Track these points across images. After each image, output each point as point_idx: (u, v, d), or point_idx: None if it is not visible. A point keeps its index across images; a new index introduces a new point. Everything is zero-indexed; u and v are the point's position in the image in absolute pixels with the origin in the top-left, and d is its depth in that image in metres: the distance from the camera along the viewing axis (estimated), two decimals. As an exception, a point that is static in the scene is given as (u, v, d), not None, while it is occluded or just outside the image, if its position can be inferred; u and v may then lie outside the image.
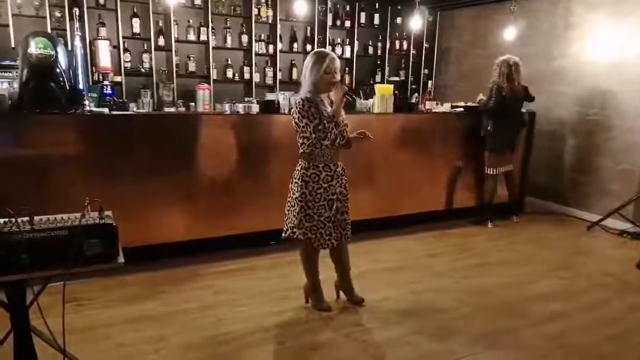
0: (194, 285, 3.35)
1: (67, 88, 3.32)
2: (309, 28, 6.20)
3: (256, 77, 5.96)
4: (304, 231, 2.84)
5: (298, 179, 2.82)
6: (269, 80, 6.06)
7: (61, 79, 3.27)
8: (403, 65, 6.94)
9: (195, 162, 3.74)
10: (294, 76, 6.24)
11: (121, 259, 1.84)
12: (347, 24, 6.39)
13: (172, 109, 5.24)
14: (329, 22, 6.23)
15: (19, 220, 1.71)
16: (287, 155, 3.95)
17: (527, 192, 5.43)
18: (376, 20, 6.57)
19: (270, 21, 5.96)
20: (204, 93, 5.46)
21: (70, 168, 3.32)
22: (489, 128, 4.69)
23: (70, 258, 1.72)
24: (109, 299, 3.10)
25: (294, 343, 2.68)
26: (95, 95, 3.71)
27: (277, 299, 3.18)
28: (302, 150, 2.81)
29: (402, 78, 6.85)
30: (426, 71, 6.94)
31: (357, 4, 6.36)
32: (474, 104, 4.97)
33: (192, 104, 5.47)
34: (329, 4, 6.19)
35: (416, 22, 5.52)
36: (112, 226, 1.80)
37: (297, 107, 2.73)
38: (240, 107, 3.94)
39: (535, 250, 4.29)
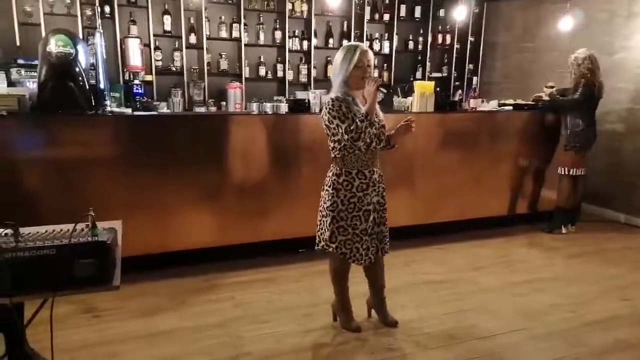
0: (214, 297, 3.14)
1: (87, 87, 3.18)
2: (345, 23, 5.91)
3: (289, 75, 5.72)
4: (338, 245, 2.55)
5: (329, 186, 2.54)
6: (303, 78, 5.82)
7: (81, 78, 3.14)
8: (446, 61, 6.52)
9: (220, 165, 3.54)
10: (329, 73, 5.96)
11: (117, 281, 1.62)
12: (386, 17, 6.05)
13: (203, 109, 5.11)
14: (367, 16, 5.91)
15: (2, 234, 1.52)
16: (317, 158, 3.70)
17: (583, 199, 4.93)
18: (417, 13, 6.19)
19: (305, 16, 5.71)
20: (234, 92, 5.30)
21: (90, 171, 3.18)
22: (569, 123, 4.31)
23: (58, 280, 1.51)
24: (127, 310, 2.93)
25: (319, 369, 2.42)
26: (117, 94, 3.57)
27: (302, 315, 2.92)
28: (333, 155, 2.53)
29: (445, 74, 6.44)
30: (471, 67, 6.49)
31: (397, -5, 6.02)
32: (534, 101, 4.57)
33: (224, 103, 5.33)
34: (368, -3, 5.88)
35: (461, 14, 5.12)
36: (106, 244, 1.58)
37: (326, 108, 2.44)
38: (268, 107, 3.71)
39: (594, 264, 3.84)
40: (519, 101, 4.65)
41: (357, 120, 2.39)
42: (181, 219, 3.45)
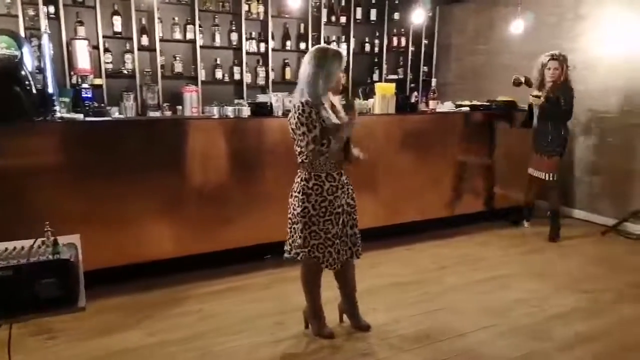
0: (179, 311, 3.00)
1: (35, 92, 2.97)
2: (302, 25, 5.86)
3: (247, 78, 5.61)
4: (310, 249, 2.50)
5: (298, 192, 2.48)
6: (261, 81, 5.72)
7: (27, 82, 2.93)
8: (401, 63, 6.62)
9: (180, 172, 3.40)
10: (287, 76, 5.90)
11: (82, 302, 1.50)
12: (343, 20, 6.05)
13: (158, 113, 4.92)
14: (324, 19, 5.89)
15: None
16: (282, 162, 3.63)
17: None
18: (373, 16, 6.24)
19: (261, 18, 5.61)
20: (191, 95, 5.13)
21: (39, 182, 2.96)
22: (563, 130, 4.25)
23: (18, 304, 1.38)
24: (86, 329, 2.74)
25: (294, 380, 2.35)
26: (67, 99, 3.36)
27: (273, 324, 2.84)
28: (300, 160, 2.48)
29: (401, 76, 6.53)
30: (425, 69, 6.62)
31: (352, -2, 6.05)
32: (482, 103, 4.68)
33: (179, 107, 5.15)
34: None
35: (416, 17, 5.20)
36: (69, 262, 1.46)
37: (296, 112, 2.37)
38: (229, 111, 3.60)
39: (551, 258, 3.99)
40: (475, 102, 4.76)
41: (328, 140, 2.36)
42: (140, 229, 3.29)
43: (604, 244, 4.36)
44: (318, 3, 5.83)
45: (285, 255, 2.65)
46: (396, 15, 6.35)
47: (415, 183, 4.34)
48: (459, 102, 4.77)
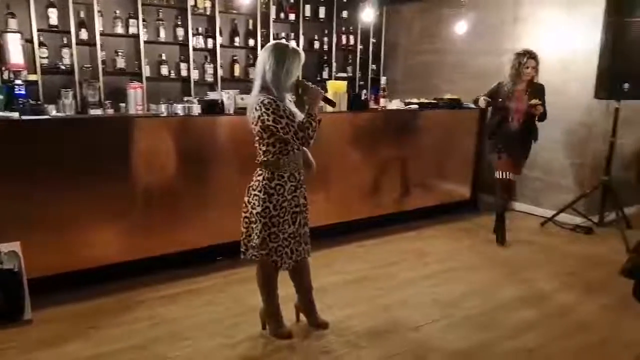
0: (129, 318, 2.88)
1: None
2: (251, 21, 5.78)
3: (195, 74, 5.46)
4: (269, 252, 2.48)
5: (259, 191, 2.44)
6: (209, 78, 5.58)
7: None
8: (350, 61, 6.68)
9: (128, 172, 3.27)
10: (237, 73, 5.81)
11: (28, 314, 1.40)
12: (292, 17, 6.02)
13: (99, 111, 4.67)
14: (273, 15, 5.83)
15: None
16: (234, 161, 3.59)
17: (480, 190, 5.34)
18: (322, 14, 6.24)
19: (208, 13, 5.48)
20: (135, 92, 4.89)
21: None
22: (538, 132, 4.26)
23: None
24: (30, 341, 2.54)
25: (252, 382, 2.32)
26: (1, 97, 3.13)
27: (228, 327, 2.79)
28: (265, 159, 2.43)
29: (350, 74, 6.59)
30: (374, 67, 6.72)
31: (301, -4, 6.03)
32: (430, 101, 4.80)
33: (123, 104, 4.93)
34: (272, -4, 5.80)
35: (364, 16, 5.27)
36: (14, 273, 1.36)
37: (268, 109, 2.31)
38: (179, 108, 3.49)
39: (495, 250, 4.17)
40: (423, 100, 4.89)
41: (310, 120, 2.36)
42: (86, 233, 3.13)
43: (543, 234, 4.62)
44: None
45: (242, 255, 2.60)
46: (344, 14, 6.40)
47: (367, 180, 4.41)
48: (407, 100, 4.87)
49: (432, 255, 4.03)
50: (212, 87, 5.50)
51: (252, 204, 2.48)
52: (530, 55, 4.10)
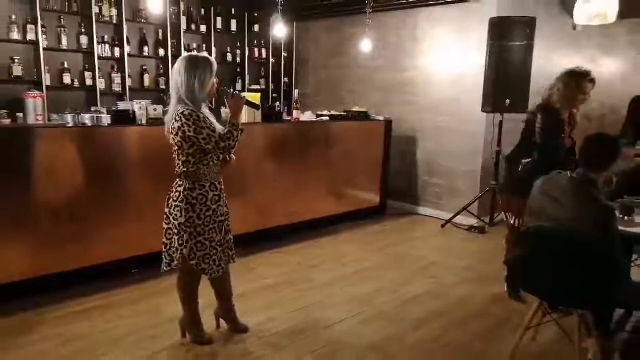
0: (36, 337, 2.73)
1: None
2: (160, 31, 5.70)
3: (101, 84, 5.26)
4: (197, 262, 2.49)
5: (181, 202, 2.45)
6: (117, 88, 5.40)
7: None
8: (263, 74, 6.81)
9: (31, 186, 3.10)
10: (146, 83, 5.68)
11: None
12: (203, 28, 6.03)
13: (-6, 121, 4.34)
14: (184, 26, 5.80)
15: None
16: (147, 173, 3.55)
17: (389, 196, 5.70)
18: (233, 27, 6.32)
19: (114, 21, 5.32)
20: (35, 101, 4.61)
21: None
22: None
23: None
24: None
25: (175, 390, 2.33)
26: None
27: (146, 338, 2.75)
28: (185, 169, 2.45)
29: (263, 87, 6.72)
30: (286, 80, 6.91)
31: (212, 8, 6.05)
32: (340, 113, 5.06)
33: (20, 114, 4.62)
34: (182, 7, 5.77)
35: (277, 31, 5.43)
36: None
37: (189, 121, 2.34)
38: (87, 119, 3.37)
39: (404, 251, 4.48)
40: (334, 112, 5.15)
41: (232, 129, 2.42)
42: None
43: (444, 235, 5.04)
44: (177, 10, 5.73)
45: (164, 267, 2.59)
46: (256, 28, 6.54)
47: (283, 189, 4.54)
48: (319, 112, 5.10)
49: (347, 257, 4.24)
50: (120, 97, 5.34)
51: (173, 215, 2.49)
52: (590, 77, 3.28)
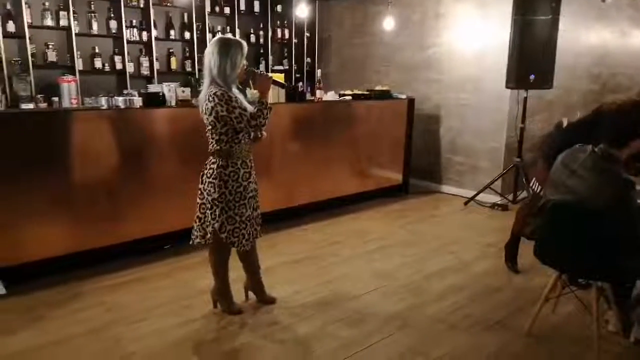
0: (79, 306, 2.94)
1: None
2: (185, 14, 5.81)
3: (130, 67, 5.43)
4: (227, 235, 2.64)
5: (214, 179, 2.59)
6: (145, 71, 5.57)
7: None
8: (286, 55, 6.87)
9: (70, 165, 3.28)
10: (173, 66, 5.83)
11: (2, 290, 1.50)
12: (227, 10, 6.11)
13: (31, 105, 4.56)
14: (208, 9, 5.90)
15: None
16: (178, 153, 3.70)
17: (411, 175, 5.75)
18: (256, 8, 6.39)
19: (142, 6, 5.45)
20: (69, 86, 4.83)
21: None
22: None
23: None
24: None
25: (209, 353, 2.50)
26: None
27: (180, 308, 2.93)
28: (218, 147, 2.58)
29: (286, 67, 6.79)
30: (309, 60, 6.96)
31: (235, -11, 6.13)
32: (362, 92, 5.10)
33: (56, 98, 4.83)
34: (207, -11, 5.86)
35: (298, 11, 5.48)
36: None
37: (221, 100, 2.45)
38: (120, 101, 3.53)
39: (426, 228, 4.55)
40: (356, 91, 5.19)
41: (262, 108, 2.52)
42: (28, 227, 3.13)
43: (466, 212, 5.08)
44: (201, -8, 5.83)
45: (197, 240, 2.75)
46: (279, 8, 6.58)
47: (306, 168, 4.64)
48: (341, 92, 5.16)
49: (370, 234, 4.34)
50: (149, 80, 5.50)
51: (207, 190, 2.62)
52: None
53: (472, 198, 5.27)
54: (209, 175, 2.62)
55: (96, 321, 2.76)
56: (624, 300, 2.61)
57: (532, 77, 4.49)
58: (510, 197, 5.22)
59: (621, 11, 5.90)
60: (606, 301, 2.67)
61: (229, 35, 2.84)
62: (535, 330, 2.69)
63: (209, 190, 2.61)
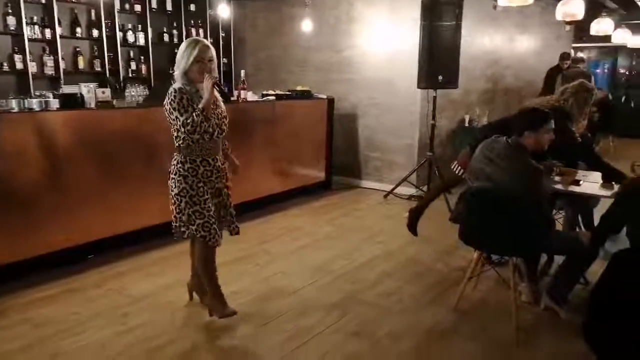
0: (5, 323, 2.73)
1: None
2: (93, 11, 5.49)
3: (32, 67, 5.02)
4: (197, 228, 2.62)
5: (175, 174, 2.59)
6: (50, 71, 5.18)
7: None
8: (202, 54, 6.74)
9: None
10: (81, 65, 5.48)
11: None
12: (138, 8, 5.87)
13: None
14: (117, 6, 5.62)
15: None
16: (101, 156, 3.53)
17: (333, 171, 5.96)
18: (169, 6, 6.21)
19: (43, 1, 5.06)
20: (-38, 87, 4.38)
21: None
22: None
23: None
24: None
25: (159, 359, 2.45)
26: None
27: (121, 315, 2.84)
28: (177, 144, 2.57)
29: (203, 67, 6.66)
30: (225, 60, 6.90)
31: (146, -13, 5.91)
32: (284, 92, 5.19)
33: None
34: (114, -15, 5.58)
35: (221, 10, 5.43)
36: None
37: (168, 99, 2.48)
38: (34, 103, 3.29)
39: (351, 221, 4.78)
40: (278, 91, 5.28)
41: (194, 114, 2.45)
42: None
43: (386, 205, 5.40)
44: (109, -11, 5.54)
45: (176, 236, 2.75)
46: (192, 7, 6.45)
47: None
48: (264, 92, 5.21)
49: (299, 230, 4.46)
50: (56, 80, 5.13)
51: (171, 187, 2.63)
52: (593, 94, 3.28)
53: (391, 191, 5.60)
54: (172, 171, 2.63)
55: (27, 338, 2.58)
56: (534, 273, 3.00)
57: (440, 77, 4.90)
58: (425, 188, 5.62)
59: (510, 18, 6.61)
60: (519, 275, 3.04)
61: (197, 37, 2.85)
62: (462, 306, 2.99)
63: (172, 186, 2.63)
